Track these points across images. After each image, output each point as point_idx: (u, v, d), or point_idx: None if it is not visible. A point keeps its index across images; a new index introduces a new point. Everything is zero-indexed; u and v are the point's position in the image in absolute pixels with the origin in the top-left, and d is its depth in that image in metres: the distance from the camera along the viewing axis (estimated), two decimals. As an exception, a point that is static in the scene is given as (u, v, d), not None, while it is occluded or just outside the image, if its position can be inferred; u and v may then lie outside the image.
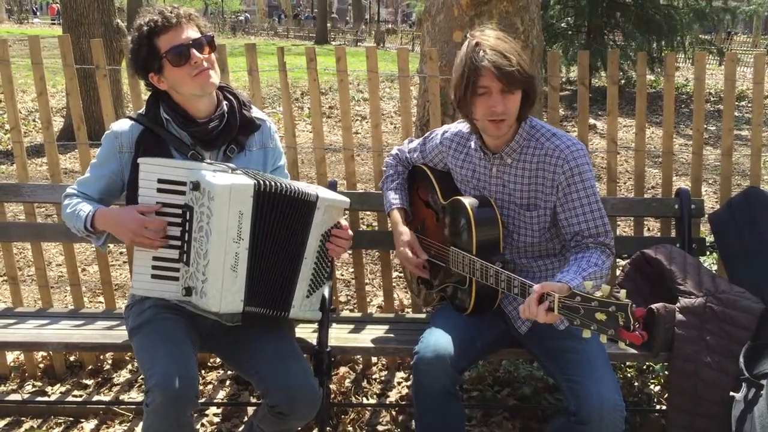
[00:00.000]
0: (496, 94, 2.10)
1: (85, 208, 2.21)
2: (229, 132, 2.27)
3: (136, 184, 2.15)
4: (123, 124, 2.28)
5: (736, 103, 3.14)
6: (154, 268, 2.18)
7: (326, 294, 2.66)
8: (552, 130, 2.26)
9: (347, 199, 2.35)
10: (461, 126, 2.44)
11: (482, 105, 2.13)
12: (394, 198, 2.56)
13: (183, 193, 2.13)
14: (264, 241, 2.18)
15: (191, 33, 2.16)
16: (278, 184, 2.19)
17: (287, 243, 2.23)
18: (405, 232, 2.46)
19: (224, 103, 2.29)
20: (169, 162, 2.18)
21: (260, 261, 2.19)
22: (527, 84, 2.14)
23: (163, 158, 2.18)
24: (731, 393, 2.41)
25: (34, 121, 9.48)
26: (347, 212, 3.12)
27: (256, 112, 2.39)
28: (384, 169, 2.67)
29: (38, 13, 56.20)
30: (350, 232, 2.34)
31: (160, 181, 2.14)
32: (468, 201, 2.25)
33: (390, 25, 43.63)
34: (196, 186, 2.08)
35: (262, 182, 2.14)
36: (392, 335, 2.73)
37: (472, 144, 2.37)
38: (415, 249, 2.44)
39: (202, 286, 2.12)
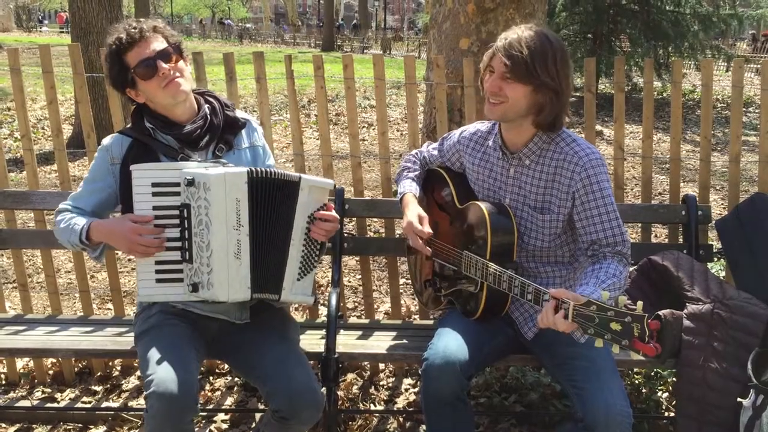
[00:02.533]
0: (496, 75, 2.16)
1: (80, 221, 2.23)
2: (215, 131, 2.32)
3: (130, 193, 2.18)
4: (112, 138, 2.34)
5: (743, 109, 3.14)
6: (158, 272, 2.21)
7: (334, 300, 2.68)
8: (573, 136, 2.26)
9: (331, 181, 2.38)
10: (479, 125, 2.46)
11: (487, 82, 2.20)
12: (409, 186, 2.55)
13: (178, 194, 2.17)
14: (262, 226, 2.22)
15: (156, 45, 2.21)
16: (268, 170, 2.24)
17: (278, 226, 2.26)
18: (417, 209, 2.43)
19: (205, 106, 2.34)
20: (161, 165, 2.22)
21: (261, 246, 2.22)
22: (535, 83, 2.11)
23: (154, 163, 2.23)
24: (739, 399, 2.41)
25: (42, 129, 9.53)
26: (354, 218, 3.16)
27: (239, 113, 2.44)
28: (402, 163, 2.68)
29: (46, 22, 56.57)
30: (335, 214, 2.34)
31: (154, 185, 2.17)
32: (485, 206, 2.27)
33: (396, 32, 43.71)
34: (190, 182, 2.13)
35: (253, 169, 2.20)
36: (400, 341, 2.74)
37: (490, 143, 2.38)
38: (423, 221, 2.38)
39: (208, 278, 2.15)
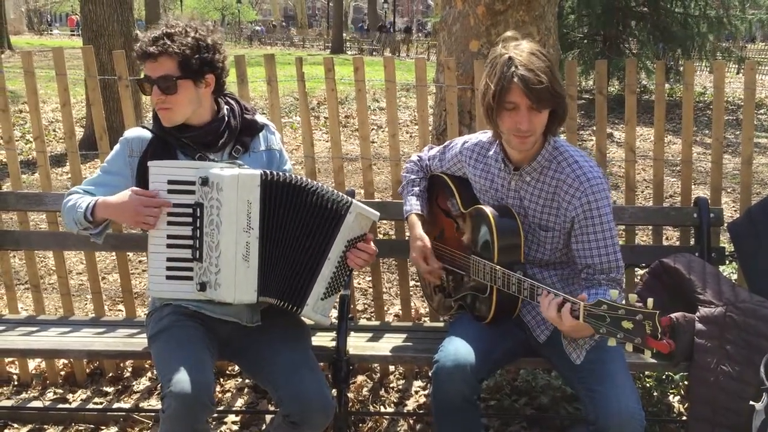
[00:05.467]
0: (523, 111, 2.08)
1: (87, 199, 2.26)
2: (232, 133, 2.33)
3: (146, 188, 2.21)
4: (135, 132, 2.37)
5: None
6: (169, 269, 2.23)
7: (344, 302, 2.68)
8: (575, 156, 2.23)
9: (378, 213, 2.37)
10: (481, 136, 2.45)
11: (509, 119, 2.11)
12: (414, 203, 2.55)
13: (192, 192, 2.19)
14: (276, 231, 2.22)
15: (161, 70, 2.20)
16: (288, 175, 2.24)
17: (311, 238, 2.26)
18: (421, 238, 2.45)
19: (225, 107, 2.35)
20: (178, 163, 2.25)
21: (273, 250, 2.23)
22: (557, 102, 2.12)
23: (171, 160, 2.25)
24: (752, 403, 2.40)
25: (54, 131, 9.59)
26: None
27: (258, 117, 2.45)
28: (404, 174, 2.67)
29: (57, 25, 56.88)
30: (375, 248, 2.35)
31: (170, 182, 2.20)
32: (490, 209, 2.26)
33: (405, 35, 43.67)
34: (204, 181, 2.15)
35: (268, 172, 2.21)
36: (410, 344, 2.74)
37: (492, 153, 2.37)
38: (428, 257, 2.44)
39: (216, 278, 2.17)
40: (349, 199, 2.29)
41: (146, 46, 2.19)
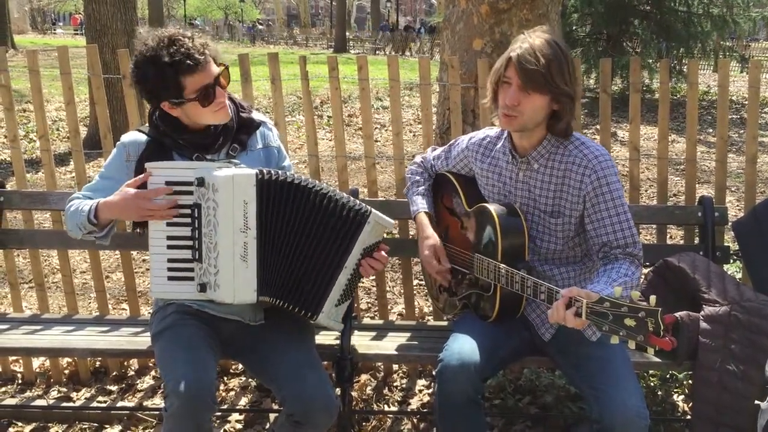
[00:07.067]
0: (514, 88, 2.13)
1: (89, 203, 2.25)
2: (228, 132, 2.32)
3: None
4: (131, 136, 2.36)
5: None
6: (170, 270, 2.23)
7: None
8: (581, 139, 2.26)
9: (393, 222, 2.37)
10: (488, 131, 2.46)
11: (502, 94, 2.17)
12: (421, 202, 2.55)
13: (191, 193, 2.19)
14: (276, 231, 2.21)
15: (213, 68, 2.21)
16: (287, 174, 2.23)
17: (323, 243, 2.25)
18: (432, 236, 2.45)
19: None
20: (176, 164, 2.25)
21: (273, 250, 2.22)
22: (553, 92, 2.12)
23: (168, 161, 2.25)
24: (756, 402, 2.39)
25: (57, 130, 9.60)
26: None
27: (255, 114, 2.44)
28: (408, 176, 2.67)
29: (61, 24, 56.97)
30: (387, 256, 2.35)
31: (168, 183, 2.19)
32: (494, 207, 2.26)
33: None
34: (201, 182, 2.15)
35: (265, 171, 2.20)
36: (414, 342, 2.74)
37: (499, 146, 2.38)
38: (440, 256, 2.43)
39: (215, 279, 2.17)
40: (368, 208, 2.28)
41: (199, 50, 2.15)
